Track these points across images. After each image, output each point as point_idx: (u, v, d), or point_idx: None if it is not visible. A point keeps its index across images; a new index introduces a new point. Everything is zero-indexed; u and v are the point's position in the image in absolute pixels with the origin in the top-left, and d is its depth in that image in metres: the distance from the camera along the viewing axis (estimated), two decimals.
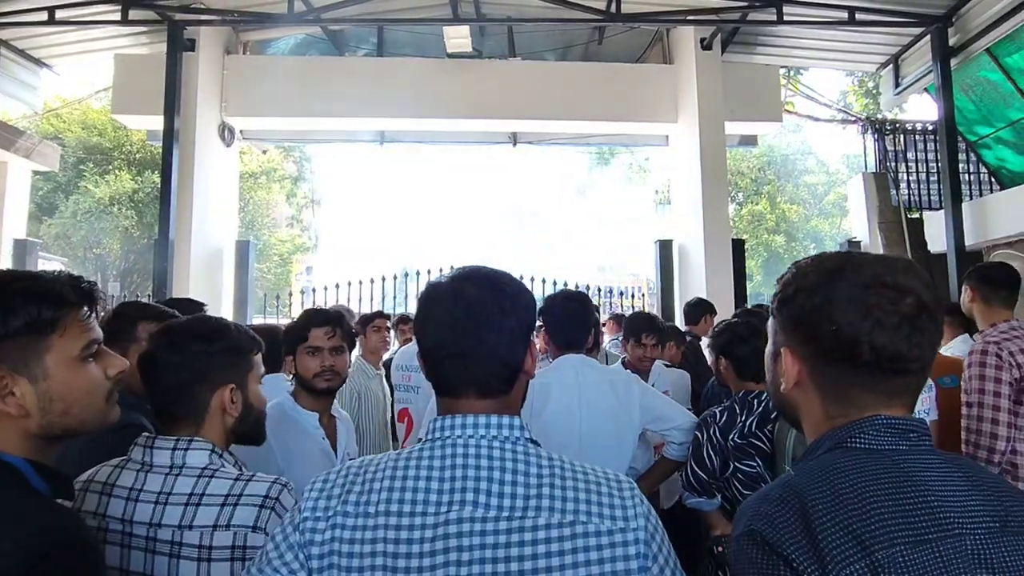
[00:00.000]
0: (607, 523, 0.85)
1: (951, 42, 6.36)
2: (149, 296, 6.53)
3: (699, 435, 2.08)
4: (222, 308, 6.87)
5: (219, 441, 1.16)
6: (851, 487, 0.73)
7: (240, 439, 1.23)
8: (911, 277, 0.79)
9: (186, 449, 1.11)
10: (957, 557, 0.70)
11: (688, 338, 4.25)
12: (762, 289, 19.08)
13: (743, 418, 2.02)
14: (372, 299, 7.20)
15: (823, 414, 0.82)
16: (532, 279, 6.95)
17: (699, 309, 4.57)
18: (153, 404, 1.19)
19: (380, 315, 3.78)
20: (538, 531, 0.84)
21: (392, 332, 4.40)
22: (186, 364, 1.15)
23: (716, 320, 4.61)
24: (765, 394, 1.98)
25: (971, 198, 7.33)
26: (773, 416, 1.99)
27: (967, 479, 0.76)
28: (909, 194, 8.10)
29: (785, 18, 6.30)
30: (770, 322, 0.89)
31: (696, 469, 2.06)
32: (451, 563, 0.82)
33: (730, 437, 2.01)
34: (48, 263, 8.64)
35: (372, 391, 3.38)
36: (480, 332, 0.93)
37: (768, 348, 0.90)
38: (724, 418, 2.05)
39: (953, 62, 6.41)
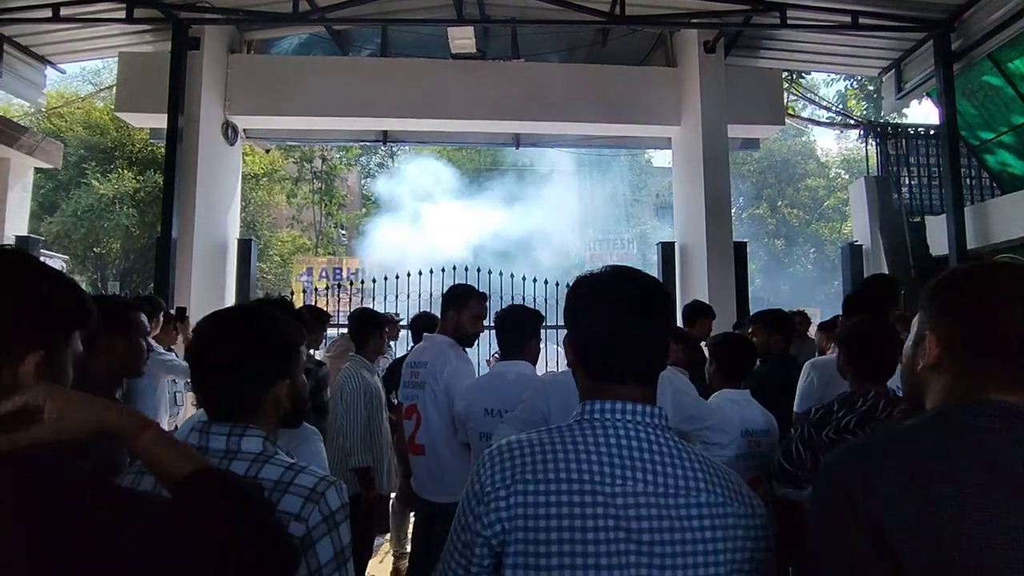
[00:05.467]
0: (743, 508, 0.97)
1: (953, 47, 6.38)
2: (150, 294, 6.52)
3: (792, 430, 2.19)
4: (226, 306, 6.86)
5: (271, 430, 1.17)
6: (920, 446, 0.80)
7: (282, 424, 1.24)
8: None
9: (241, 435, 1.13)
10: None
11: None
12: (763, 293, 19.07)
13: (840, 415, 2.07)
14: (373, 299, 7.19)
15: (949, 393, 0.89)
16: (546, 281, 6.90)
17: (695, 311, 4.62)
18: (203, 396, 1.19)
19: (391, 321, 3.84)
20: (701, 507, 0.94)
21: None
22: (237, 362, 1.15)
23: (714, 323, 4.66)
24: (873, 393, 2.05)
25: (973, 202, 7.34)
26: (881, 414, 2.02)
27: None
28: (911, 198, 8.12)
29: (788, 22, 6.31)
30: (918, 314, 0.97)
31: (782, 461, 2.17)
32: (618, 519, 0.92)
33: (824, 432, 2.07)
34: (49, 261, 8.63)
35: (377, 388, 3.40)
36: (645, 325, 1.04)
37: (912, 334, 0.97)
38: (819, 415, 2.13)
39: (955, 67, 6.43)
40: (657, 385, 1.07)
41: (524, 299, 6.66)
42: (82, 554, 0.77)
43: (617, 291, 1.06)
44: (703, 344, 4.67)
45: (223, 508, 0.87)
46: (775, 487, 2.25)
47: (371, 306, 5.19)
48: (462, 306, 2.85)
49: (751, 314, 3.40)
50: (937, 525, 0.73)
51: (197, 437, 1.14)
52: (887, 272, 7.56)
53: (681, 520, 0.93)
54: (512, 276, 7.24)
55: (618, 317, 1.03)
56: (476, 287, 3.06)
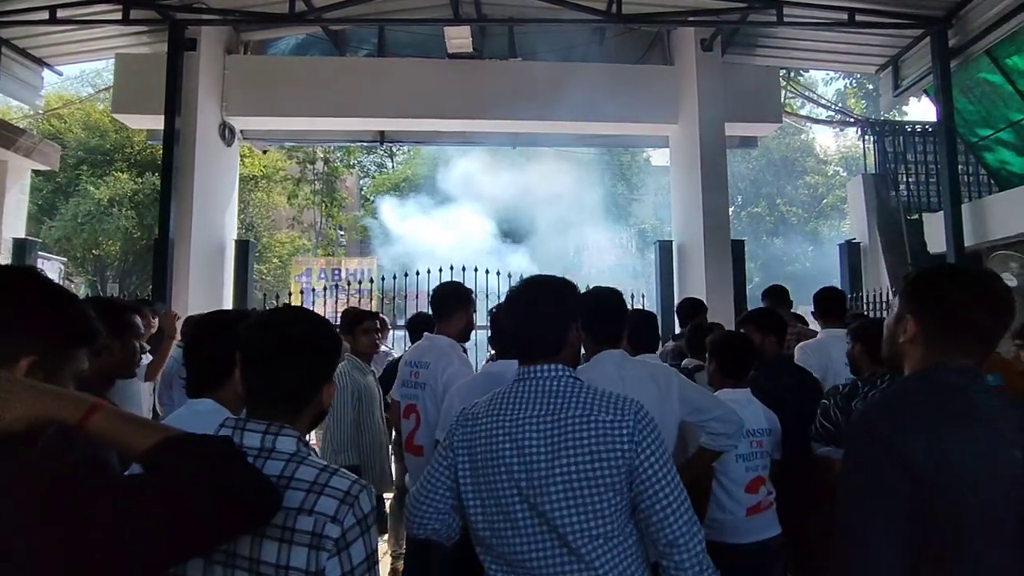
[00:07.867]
0: (609, 416, 1.32)
1: (951, 44, 6.37)
2: (149, 296, 6.51)
3: (826, 401, 2.61)
4: (223, 308, 6.86)
5: (304, 431, 1.19)
6: (915, 402, 1.17)
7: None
8: (1003, 283, 1.22)
9: (276, 434, 1.14)
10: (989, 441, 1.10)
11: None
12: (761, 291, 19.06)
13: (866, 390, 2.50)
14: (372, 300, 7.18)
15: (924, 359, 1.22)
16: None
17: (694, 309, 4.62)
18: (256, 387, 1.19)
19: (370, 316, 3.74)
20: (564, 420, 1.32)
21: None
22: (302, 358, 1.18)
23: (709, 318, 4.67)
24: (889, 375, 2.40)
25: (970, 199, 7.34)
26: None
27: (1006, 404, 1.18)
28: (908, 195, 8.12)
29: (785, 19, 6.31)
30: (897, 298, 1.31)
31: (823, 421, 2.56)
32: (512, 438, 1.34)
33: (853, 403, 2.47)
34: (47, 263, 8.63)
35: (369, 388, 3.38)
36: (533, 319, 1.43)
37: (893, 313, 1.30)
38: (848, 388, 2.58)
39: (953, 64, 6.42)
40: (566, 355, 1.43)
41: None
42: (75, 542, 0.78)
43: (514, 295, 1.48)
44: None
45: (198, 471, 0.88)
46: (815, 447, 2.59)
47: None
48: (471, 305, 2.87)
49: (743, 314, 3.30)
50: (941, 452, 1.05)
51: (230, 433, 1.15)
52: (885, 270, 7.57)
53: (553, 431, 1.30)
54: (510, 276, 7.23)
55: (513, 314, 1.46)
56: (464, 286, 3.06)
